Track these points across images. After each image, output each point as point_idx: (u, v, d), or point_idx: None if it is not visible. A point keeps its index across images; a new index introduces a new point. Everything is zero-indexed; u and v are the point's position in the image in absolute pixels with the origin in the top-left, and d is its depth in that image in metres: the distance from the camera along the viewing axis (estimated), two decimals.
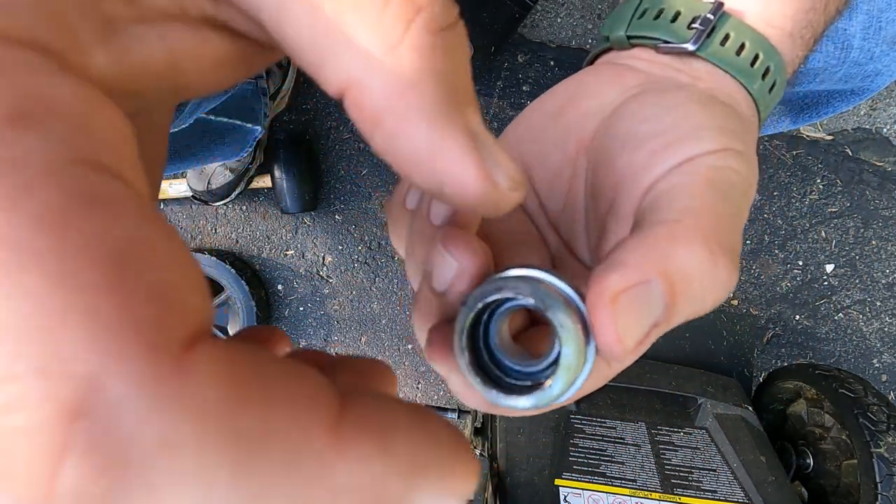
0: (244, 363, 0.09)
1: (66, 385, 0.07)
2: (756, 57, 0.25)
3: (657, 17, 0.26)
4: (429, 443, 0.10)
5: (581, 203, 0.25)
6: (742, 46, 0.25)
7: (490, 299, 0.17)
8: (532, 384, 0.18)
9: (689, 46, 0.25)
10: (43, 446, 0.07)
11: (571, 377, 0.17)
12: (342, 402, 0.10)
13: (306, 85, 1.09)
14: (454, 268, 0.17)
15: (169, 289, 0.09)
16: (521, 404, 0.18)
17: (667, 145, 0.21)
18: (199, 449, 0.08)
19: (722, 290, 0.17)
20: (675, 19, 0.26)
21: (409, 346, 1.18)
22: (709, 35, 0.25)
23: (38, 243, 0.08)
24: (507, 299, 0.17)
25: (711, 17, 0.25)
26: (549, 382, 0.17)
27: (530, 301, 0.16)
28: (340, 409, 0.09)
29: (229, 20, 0.13)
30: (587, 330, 0.17)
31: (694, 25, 0.25)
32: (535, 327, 0.22)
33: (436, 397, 1.19)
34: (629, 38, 0.27)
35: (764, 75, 0.25)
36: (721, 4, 0.25)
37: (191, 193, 1.08)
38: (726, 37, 0.25)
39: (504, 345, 0.19)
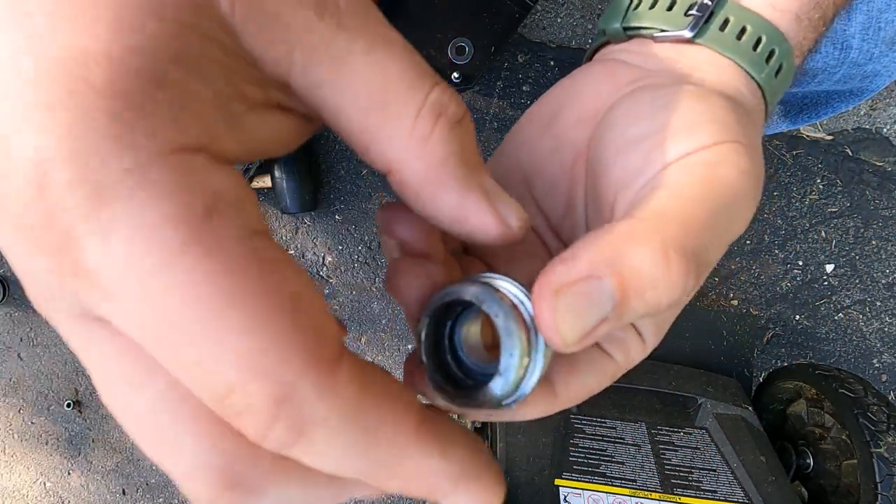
0: (368, 375, 0.14)
1: (275, 386, 0.13)
2: (759, 40, 0.24)
3: (653, 6, 0.26)
4: (475, 461, 0.16)
5: (581, 209, 0.25)
6: (743, 30, 0.24)
7: (439, 303, 0.19)
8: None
9: (687, 33, 0.24)
10: (266, 416, 0.13)
11: (514, 378, 0.17)
12: (424, 416, 0.15)
13: None
14: (391, 244, 0.21)
15: (322, 323, 0.14)
16: (468, 406, 0.18)
17: (659, 144, 0.20)
18: (339, 423, 0.13)
19: (677, 294, 0.17)
20: (671, 7, 0.25)
21: (409, 347, 1.18)
22: (707, 21, 0.24)
23: (248, 298, 0.12)
24: (458, 303, 0.19)
25: (709, 2, 0.24)
26: (491, 384, 0.17)
27: (472, 302, 0.18)
28: (422, 420, 0.15)
29: (296, 107, 0.17)
30: (535, 331, 0.17)
31: (691, 12, 0.24)
32: None
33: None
34: (625, 29, 0.26)
35: (768, 59, 0.24)
36: None
37: None
38: (725, 21, 0.24)
39: (471, 349, 0.20)
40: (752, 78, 0.24)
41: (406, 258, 0.21)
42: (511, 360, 0.17)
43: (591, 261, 0.16)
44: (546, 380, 0.22)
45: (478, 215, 0.17)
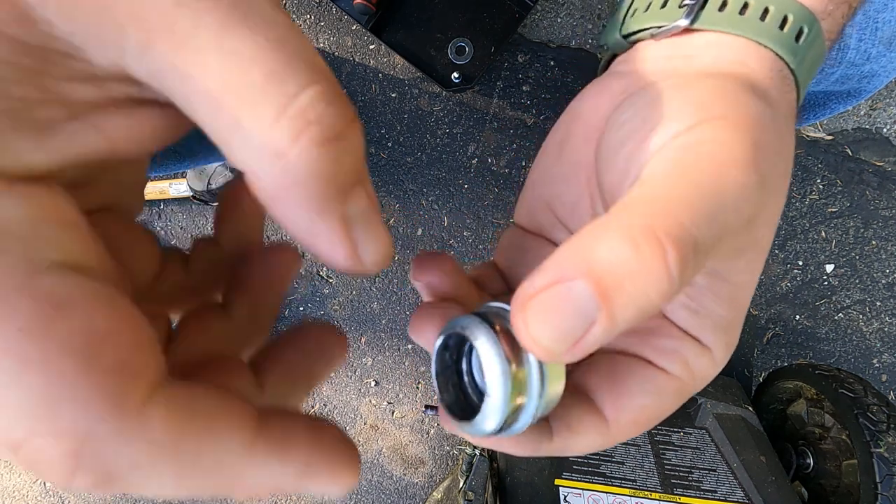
0: (185, 407, 0.13)
1: (66, 439, 0.12)
2: (766, 11, 0.22)
3: (647, 8, 0.25)
4: (319, 452, 0.15)
5: None
6: (745, 6, 0.23)
7: (443, 336, 0.19)
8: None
9: (682, 22, 0.23)
10: (63, 468, 0.12)
11: (496, 404, 0.17)
12: (260, 427, 0.14)
13: None
14: (419, 286, 0.22)
15: (129, 362, 0.12)
16: (464, 431, 0.19)
17: (641, 142, 0.19)
18: (152, 465, 0.12)
19: (662, 281, 0.15)
20: (664, 5, 0.24)
21: (409, 346, 1.18)
22: (703, 6, 0.23)
23: (26, 348, 0.11)
24: (459, 334, 0.19)
25: None
26: (479, 412, 0.18)
27: (464, 333, 0.18)
28: (257, 432, 0.14)
29: (155, 96, 0.14)
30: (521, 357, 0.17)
31: (686, 2, 0.24)
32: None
33: (435, 397, 1.19)
34: (625, 37, 0.26)
35: (782, 25, 0.22)
36: None
37: (191, 193, 1.08)
38: (724, 3, 0.23)
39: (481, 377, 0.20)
40: (769, 49, 0.23)
41: (430, 302, 0.21)
42: (493, 385, 0.17)
43: (558, 265, 0.15)
44: (590, 404, 0.21)
45: (327, 244, 0.15)
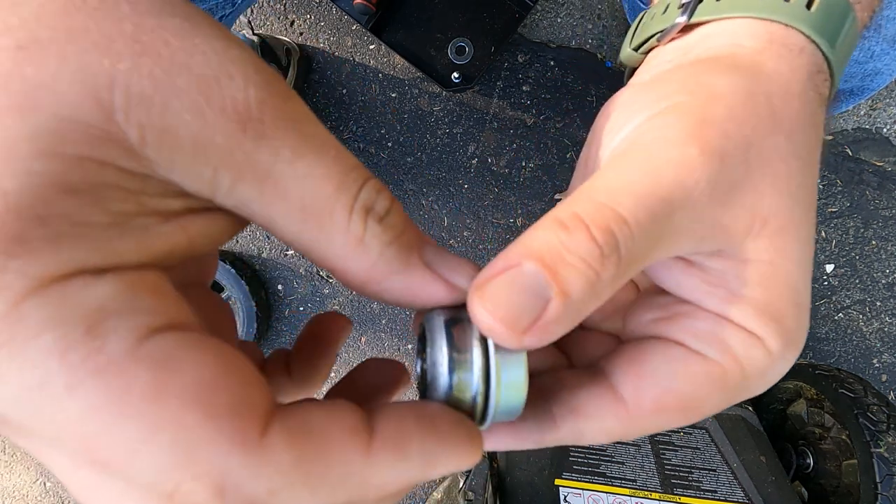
0: (301, 429, 0.14)
1: (207, 480, 0.13)
2: None
3: (653, 17, 0.26)
4: (434, 442, 0.16)
5: None
6: None
7: (419, 332, 0.20)
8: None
9: (680, 20, 0.24)
10: None
11: (437, 395, 0.18)
12: (370, 428, 0.15)
13: (306, 85, 1.09)
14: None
15: (242, 399, 0.14)
16: None
17: (608, 143, 0.21)
18: (287, 487, 0.14)
19: (594, 255, 0.16)
20: (666, 10, 0.25)
21: (409, 346, 1.18)
22: (700, 1, 0.23)
23: (151, 410, 0.13)
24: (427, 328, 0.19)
25: None
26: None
27: (424, 326, 0.19)
28: (370, 436, 0.15)
29: (232, 209, 0.16)
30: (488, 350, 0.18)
31: (683, 1, 0.24)
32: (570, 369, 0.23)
33: None
34: (636, 49, 0.27)
35: None
36: None
37: None
38: None
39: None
40: (774, 24, 0.22)
41: None
42: (435, 376, 0.18)
43: (506, 254, 0.17)
44: (605, 385, 0.19)
45: (425, 289, 0.18)
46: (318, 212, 0.16)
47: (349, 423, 0.15)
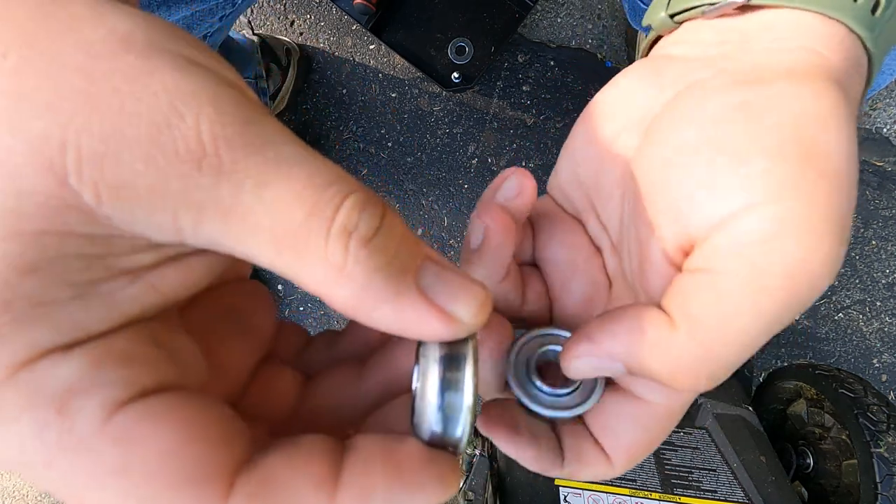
0: (264, 487, 0.14)
1: None
2: None
3: None
4: (401, 489, 0.15)
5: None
6: None
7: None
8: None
9: None
10: None
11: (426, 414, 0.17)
12: (335, 477, 0.15)
13: (306, 85, 1.10)
14: (481, 228, 0.22)
15: (205, 464, 0.14)
16: None
17: (709, 183, 0.19)
18: None
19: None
20: None
21: None
22: None
23: (119, 483, 0.13)
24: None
25: None
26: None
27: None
28: (334, 487, 0.15)
29: (208, 248, 0.16)
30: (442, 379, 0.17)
31: None
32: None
33: None
34: (672, 16, 0.24)
35: None
36: None
37: None
38: None
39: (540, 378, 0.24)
40: (843, 29, 0.20)
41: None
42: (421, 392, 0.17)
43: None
44: (595, 443, 0.23)
45: (418, 322, 0.16)
46: (291, 241, 0.14)
47: (314, 477, 0.15)
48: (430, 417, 0.16)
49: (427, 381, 0.17)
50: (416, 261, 0.16)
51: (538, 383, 0.24)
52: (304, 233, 0.14)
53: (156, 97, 0.14)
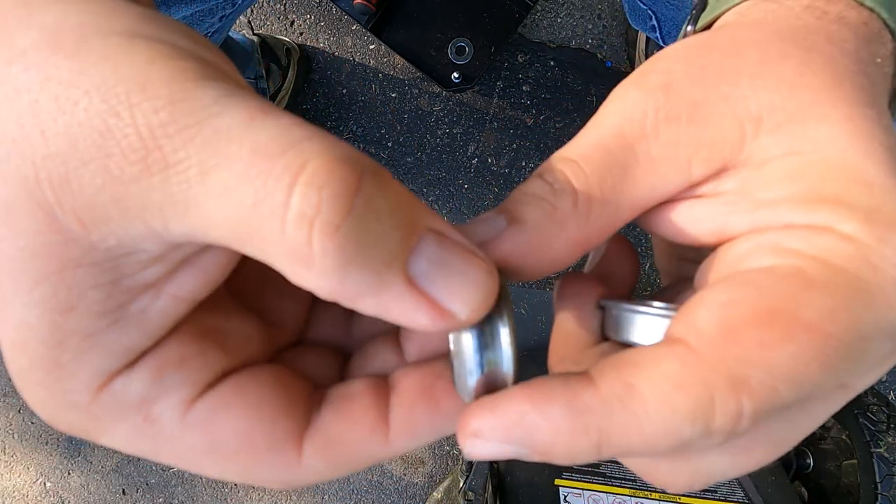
0: (327, 438, 0.17)
1: (271, 488, 0.21)
2: None
3: None
4: (441, 420, 0.17)
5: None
6: None
7: None
8: None
9: None
10: None
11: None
12: (386, 421, 0.17)
13: (306, 85, 1.10)
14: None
15: (276, 435, 0.16)
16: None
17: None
18: (328, 479, 0.17)
19: (538, 195, 0.18)
20: None
21: None
22: None
23: (214, 458, 0.16)
24: None
25: None
26: None
27: None
28: (386, 429, 0.17)
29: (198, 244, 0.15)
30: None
31: None
32: None
33: None
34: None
35: None
36: None
37: None
38: None
39: None
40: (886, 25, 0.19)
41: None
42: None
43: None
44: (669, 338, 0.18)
45: (405, 316, 0.14)
46: (247, 231, 0.13)
47: (367, 426, 0.17)
48: (469, 383, 0.16)
49: (462, 347, 0.16)
50: (409, 240, 0.14)
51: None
52: (256, 222, 0.13)
53: (90, 100, 0.13)
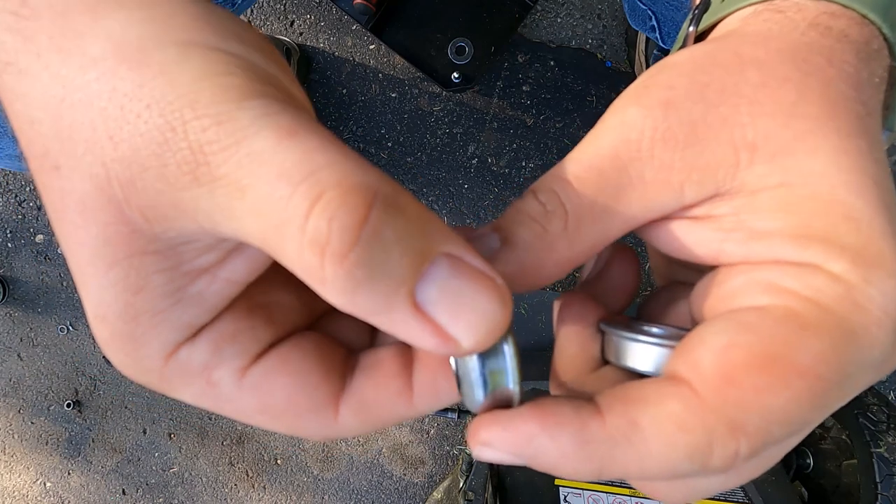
0: (359, 401, 0.19)
1: (314, 440, 0.22)
2: None
3: None
4: (444, 377, 0.19)
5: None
6: None
7: None
8: None
9: None
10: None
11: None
12: (410, 385, 0.19)
13: (306, 85, 1.10)
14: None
15: (316, 400, 0.18)
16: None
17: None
18: (359, 434, 0.22)
19: (530, 215, 0.19)
20: None
21: None
22: None
23: (266, 418, 0.19)
24: None
25: None
26: None
27: None
28: (410, 393, 0.19)
29: None
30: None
31: None
32: None
33: None
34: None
35: None
36: None
37: None
38: None
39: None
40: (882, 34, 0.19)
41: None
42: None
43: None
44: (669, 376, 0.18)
45: (411, 338, 0.15)
46: (277, 245, 0.14)
47: (395, 390, 0.19)
48: (476, 398, 0.18)
49: (467, 367, 0.17)
50: (419, 266, 0.14)
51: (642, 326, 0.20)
52: (279, 239, 0.14)
53: (149, 111, 0.15)
